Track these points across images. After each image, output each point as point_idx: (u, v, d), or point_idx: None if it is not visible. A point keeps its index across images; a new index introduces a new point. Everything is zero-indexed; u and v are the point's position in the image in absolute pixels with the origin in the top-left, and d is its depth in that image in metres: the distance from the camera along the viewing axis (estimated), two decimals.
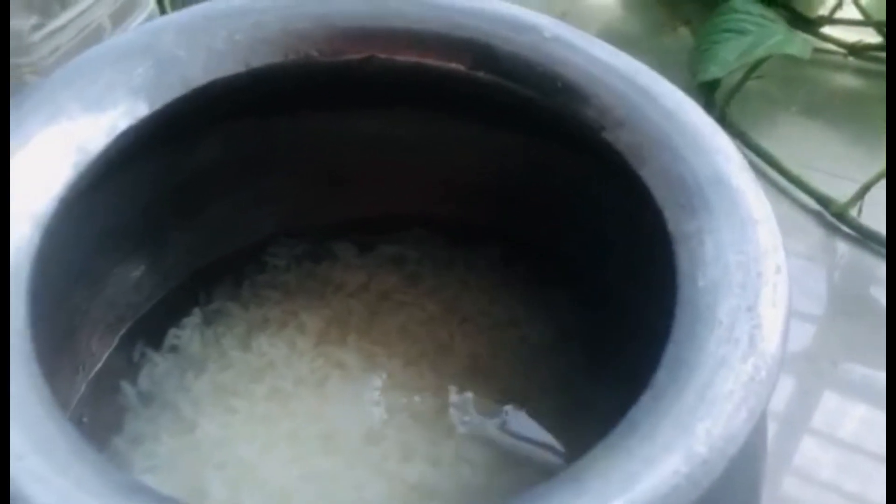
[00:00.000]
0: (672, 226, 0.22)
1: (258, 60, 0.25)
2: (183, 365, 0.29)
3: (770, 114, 0.46)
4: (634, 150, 0.24)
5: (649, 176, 0.23)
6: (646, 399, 0.19)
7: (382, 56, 0.26)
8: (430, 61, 0.26)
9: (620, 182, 0.24)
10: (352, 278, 0.31)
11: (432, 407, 0.28)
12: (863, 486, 0.33)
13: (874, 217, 0.41)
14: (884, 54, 0.47)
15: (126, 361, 0.29)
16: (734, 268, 0.21)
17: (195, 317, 0.30)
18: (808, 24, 0.49)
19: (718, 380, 0.19)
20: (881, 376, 0.36)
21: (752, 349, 0.19)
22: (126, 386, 0.28)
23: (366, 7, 0.27)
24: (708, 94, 0.45)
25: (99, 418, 0.27)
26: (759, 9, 0.43)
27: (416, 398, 0.28)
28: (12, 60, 0.31)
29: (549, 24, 0.27)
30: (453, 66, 0.26)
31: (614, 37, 0.27)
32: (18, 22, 0.32)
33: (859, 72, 0.48)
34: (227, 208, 0.30)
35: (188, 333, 0.29)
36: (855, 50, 0.49)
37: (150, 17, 0.40)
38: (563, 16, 0.27)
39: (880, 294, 0.39)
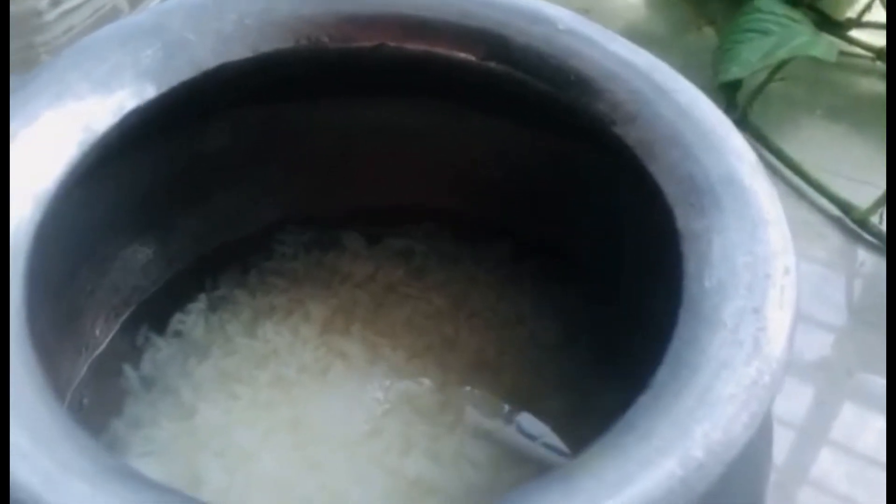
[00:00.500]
0: (681, 224, 0.22)
1: (267, 45, 0.25)
2: (186, 350, 0.29)
3: (793, 117, 0.45)
4: (645, 146, 0.24)
5: (659, 173, 0.23)
6: (645, 399, 0.19)
7: (393, 44, 0.26)
8: (441, 50, 0.26)
9: (630, 179, 0.24)
10: (359, 269, 0.31)
11: (435, 401, 0.28)
12: (879, 500, 0.32)
13: None
14: None
15: (129, 345, 0.29)
16: (742, 269, 0.20)
17: (200, 302, 0.30)
18: (835, 26, 0.48)
19: (720, 382, 0.18)
20: None
21: (756, 352, 0.19)
22: (128, 369, 0.28)
23: None
24: (730, 95, 0.44)
25: (99, 401, 0.27)
26: (783, 9, 0.42)
27: (419, 392, 0.28)
28: (27, 39, 0.31)
29: (564, 17, 0.26)
30: (464, 55, 0.26)
31: (638, 35, 0.27)
32: (33, 1, 0.32)
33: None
34: (234, 195, 0.30)
35: (193, 319, 0.29)
36: (883, 54, 0.48)
37: None
38: (585, 13, 0.27)
39: None
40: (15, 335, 0.18)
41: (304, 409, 0.28)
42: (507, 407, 0.28)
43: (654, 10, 0.53)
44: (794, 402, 0.35)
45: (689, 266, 0.21)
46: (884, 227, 0.40)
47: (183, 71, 0.24)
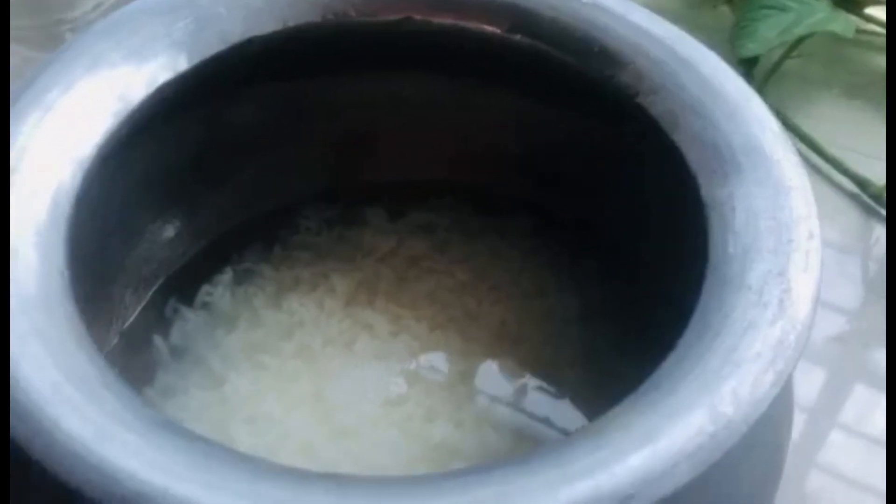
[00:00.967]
0: (704, 192, 0.22)
1: (296, 19, 0.26)
2: (214, 322, 0.29)
3: (809, 94, 0.45)
4: (668, 116, 0.24)
5: (682, 142, 0.23)
6: (671, 360, 0.19)
7: (419, 17, 0.26)
8: (467, 24, 0.26)
9: (654, 149, 0.24)
10: (382, 243, 0.31)
11: (458, 371, 0.28)
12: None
13: None
14: None
15: (158, 316, 0.29)
16: (765, 234, 0.21)
17: (227, 275, 0.30)
18: (851, 3, 0.47)
19: (745, 342, 0.19)
20: None
21: (781, 313, 0.19)
22: (158, 340, 0.29)
23: None
24: (747, 72, 0.44)
25: (130, 370, 0.27)
26: None
27: (442, 362, 0.29)
28: (57, 15, 0.32)
29: None
30: (490, 28, 0.26)
31: (654, 12, 0.27)
32: None
33: None
34: (259, 170, 0.30)
35: (220, 291, 0.30)
36: None
37: None
38: None
39: None
40: (60, 295, 0.19)
41: (329, 379, 0.28)
42: (528, 376, 0.28)
43: None
44: (809, 383, 0.35)
45: (714, 233, 0.21)
46: None
47: (213, 44, 0.25)
